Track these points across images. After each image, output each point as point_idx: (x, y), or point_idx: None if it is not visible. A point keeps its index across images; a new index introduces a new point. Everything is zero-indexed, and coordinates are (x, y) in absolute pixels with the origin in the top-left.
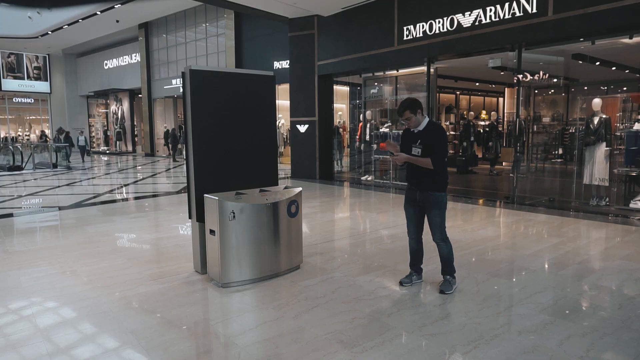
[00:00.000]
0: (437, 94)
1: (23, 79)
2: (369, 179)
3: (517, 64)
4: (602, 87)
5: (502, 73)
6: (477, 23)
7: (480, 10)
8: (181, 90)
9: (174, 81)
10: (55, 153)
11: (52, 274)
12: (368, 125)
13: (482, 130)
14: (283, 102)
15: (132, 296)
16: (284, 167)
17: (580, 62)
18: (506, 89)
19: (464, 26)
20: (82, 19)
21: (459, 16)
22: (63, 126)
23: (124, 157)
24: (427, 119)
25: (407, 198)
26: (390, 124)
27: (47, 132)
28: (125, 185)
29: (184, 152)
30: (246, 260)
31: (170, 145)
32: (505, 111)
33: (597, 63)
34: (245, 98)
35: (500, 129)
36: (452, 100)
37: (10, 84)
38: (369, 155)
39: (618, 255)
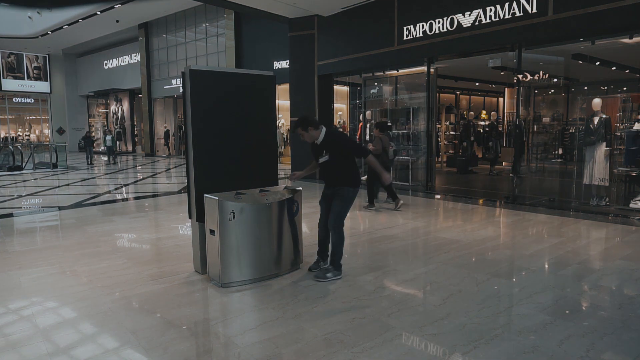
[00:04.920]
0: (437, 94)
1: (23, 79)
2: None
3: (517, 64)
4: (602, 87)
5: (502, 73)
6: (477, 23)
7: (480, 10)
8: (181, 90)
9: (174, 81)
10: (55, 153)
11: (52, 274)
12: (368, 125)
13: (482, 130)
14: (283, 102)
15: (132, 296)
16: (284, 167)
17: (580, 62)
18: (506, 89)
19: (464, 26)
20: (82, 19)
21: (459, 16)
22: (63, 126)
23: (124, 157)
24: (324, 130)
25: (323, 194)
26: (390, 123)
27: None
28: (126, 185)
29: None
30: (246, 260)
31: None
32: (505, 111)
33: (597, 63)
34: (245, 98)
35: (500, 129)
36: (452, 100)
37: (10, 84)
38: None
39: (618, 255)
